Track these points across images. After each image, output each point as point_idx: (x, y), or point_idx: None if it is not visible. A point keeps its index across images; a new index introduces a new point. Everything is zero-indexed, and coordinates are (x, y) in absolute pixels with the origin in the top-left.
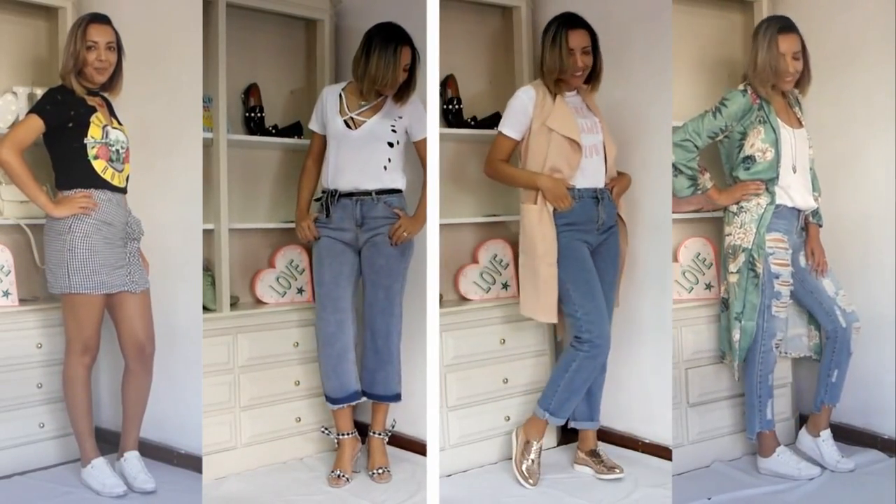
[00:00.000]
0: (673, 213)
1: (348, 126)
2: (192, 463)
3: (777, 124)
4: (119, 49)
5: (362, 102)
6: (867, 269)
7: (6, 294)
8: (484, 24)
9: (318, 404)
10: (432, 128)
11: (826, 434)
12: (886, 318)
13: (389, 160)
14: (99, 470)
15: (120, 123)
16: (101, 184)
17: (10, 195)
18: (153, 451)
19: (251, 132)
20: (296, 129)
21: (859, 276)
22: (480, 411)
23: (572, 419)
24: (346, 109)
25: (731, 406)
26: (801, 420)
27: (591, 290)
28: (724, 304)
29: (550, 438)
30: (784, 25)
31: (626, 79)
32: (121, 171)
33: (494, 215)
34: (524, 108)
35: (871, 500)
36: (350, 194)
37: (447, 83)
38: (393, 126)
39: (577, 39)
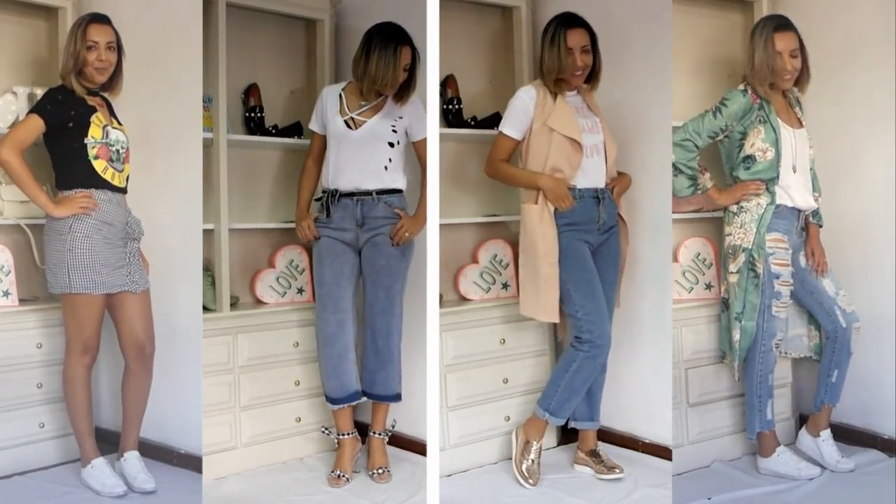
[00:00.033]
0: (673, 213)
1: (349, 126)
2: (192, 463)
3: (777, 124)
4: (119, 49)
5: (362, 102)
6: (867, 269)
7: (6, 294)
8: (484, 24)
9: (318, 404)
10: (432, 128)
11: (826, 434)
12: (886, 318)
13: (390, 160)
14: (99, 470)
15: (120, 123)
16: (102, 184)
17: (10, 195)
18: (153, 451)
19: (251, 132)
20: (296, 129)
21: (859, 276)
22: (480, 411)
23: (572, 419)
24: (347, 109)
25: (731, 406)
26: (801, 420)
27: (591, 291)
28: (725, 304)
29: (550, 438)
30: (780, 24)
31: (626, 79)
32: (121, 171)
33: (494, 215)
34: (525, 108)
35: (871, 500)
36: (351, 194)
37: (447, 83)
38: (393, 126)
39: (576, 39)
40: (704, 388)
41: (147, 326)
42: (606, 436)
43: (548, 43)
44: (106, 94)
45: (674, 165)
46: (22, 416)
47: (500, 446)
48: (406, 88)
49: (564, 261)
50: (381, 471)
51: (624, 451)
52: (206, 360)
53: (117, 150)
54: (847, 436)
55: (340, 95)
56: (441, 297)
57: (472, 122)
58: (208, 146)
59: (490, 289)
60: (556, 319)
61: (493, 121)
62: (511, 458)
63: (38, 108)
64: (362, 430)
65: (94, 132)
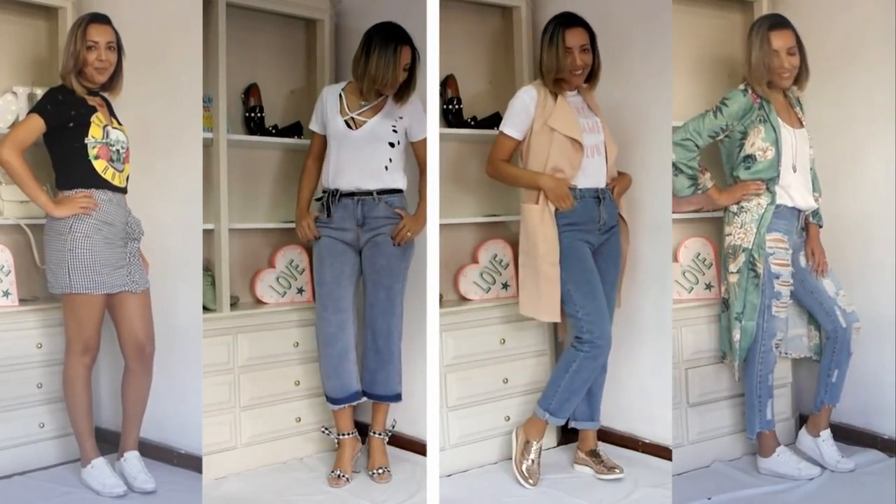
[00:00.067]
0: (673, 213)
1: (349, 126)
2: (192, 463)
3: (777, 123)
4: (119, 49)
5: (363, 102)
6: (867, 269)
7: (6, 294)
8: (484, 24)
9: (318, 404)
10: (432, 128)
11: (826, 434)
12: (886, 318)
13: (390, 160)
14: (99, 470)
15: (120, 123)
16: (102, 184)
17: (10, 195)
18: (153, 451)
19: (251, 132)
20: (296, 129)
21: (859, 276)
22: (480, 411)
23: (573, 419)
24: (347, 109)
25: (731, 406)
26: (801, 420)
27: (592, 291)
28: (725, 304)
29: (550, 438)
30: (775, 22)
31: (626, 79)
32: (121, 171)
33: (494, 215)
34: (526, 108)
35: (871, 500)
36: (351, 194)
37: (447, 83)
38: (394, 126)
39: (574, 38)
40: (704, 388)
41: (147, 326)
42: (606, 436)
43: (546, 43)
44: (106, 94)
45: (674, 165)
46: (22, 416)
47: (500, 446)
48: (406, 88)
49: (565, 261)
50: (381, 471)
51: (624, 451)
52: (206, 360)
53: (117, 150)
54: (847, 436)
55: (340, 95)
56: (441, 297)
57: (472, 122)
58: (208, 146)
59: (490, 289)
60: (558, 319)
61: (494, 121)
62: (511, 458)
63: (38, 107)
64: (362, 430)
65: (95, 132)
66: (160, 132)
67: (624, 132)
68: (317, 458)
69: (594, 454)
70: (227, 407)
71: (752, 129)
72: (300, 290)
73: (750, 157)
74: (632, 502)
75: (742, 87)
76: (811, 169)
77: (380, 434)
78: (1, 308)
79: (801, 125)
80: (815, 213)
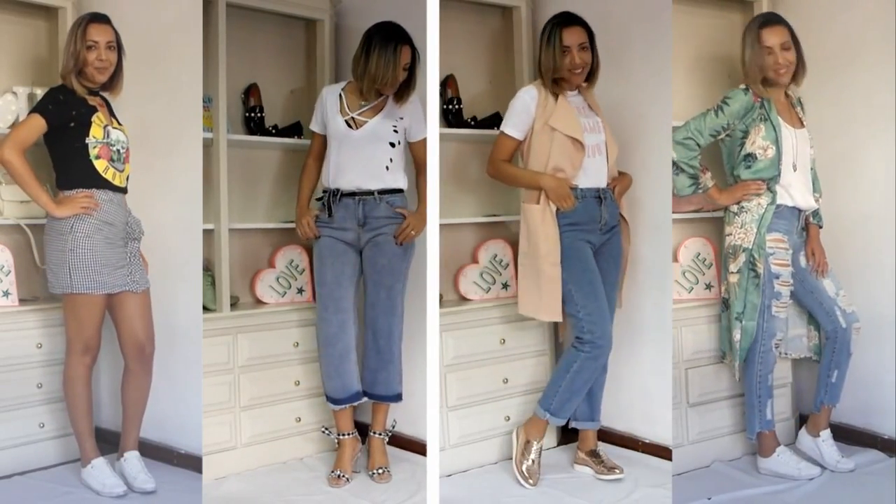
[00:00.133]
0: (673, 213)
1: (349, 126)
2: (192, 463)
3: (778, 122)
4: (119, 48)
5: (363, 102)
6: (867, 269)
7: (6, 294)
8: (484, 24)
9: (318, 404)
10: (432, 128)
11: (826, 434)
12: (886, 318)
13: (391, 160)
14: (99, 470)
15: (119, 123)
16: (103, 184)
17: (11, 195)
18: (153, 451)
19: (251, 132)
20: (296, 129)
21: (859, 276)
22: (480, 411)
23: (573, 419)
24: (347, 109)
25: (731, 406)
26: (801, 420)
27: (593, 291)
28: (725, 304)
29: (550, 438)
30: (767, 20)
31: (626, 78)
32: (121, 171)
33: (494, 215)
34: (527, 108)
35: (871, 500)
36: (352, 194)
37: (447, 83)
38: (395, 126)
39: (572, 37)
40: (704, 388)
41: (147, 326)
42: (606, 436)
43: (545, 42)
44: (106, 94)
45: (675, 164)
46: (22, 416)
47: (500, 446)
48: (406, 88)
49: (566, 261)
50: (381, 471)
51: (624, 451)
52: (206, 360)
53: (118, 150)
54: (847, 436)
55: (340, 95)
56: (441, 297)
57: (473, 122)
58: (208, 146)
59: (490, 289)
60: (559, 318)
61: (494, 121)
62: (511, 458)
63: (39, 107)
64: (362, 430)
65: (96, 132)
66: (160, 132)
67: (624, 132)
68: (317, 458)
69: (594, 454)
70: (227, 407)
71: (752, 127)
72: (300, 290)
73: (750, 156)
74: (632, 502)
75: (743, 86)
76: (812, 169)
77: (380, 434)
78: (1, 308)
79: (802, 125)
80: (816, 213)
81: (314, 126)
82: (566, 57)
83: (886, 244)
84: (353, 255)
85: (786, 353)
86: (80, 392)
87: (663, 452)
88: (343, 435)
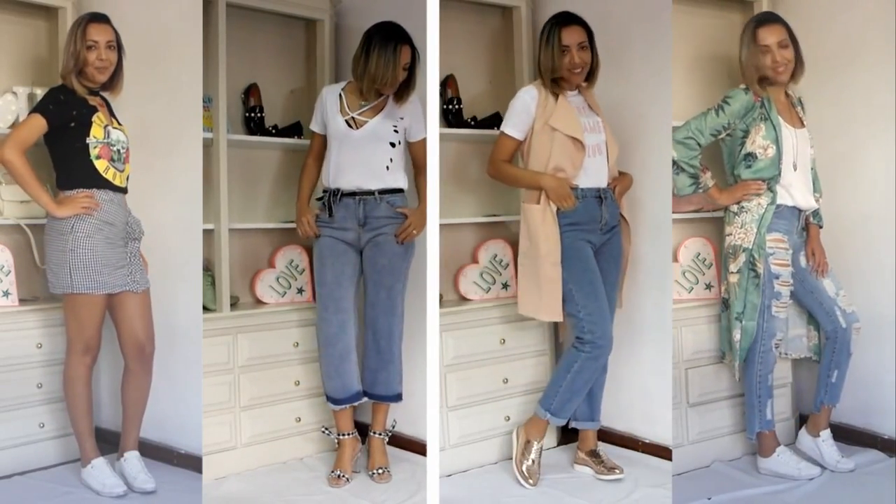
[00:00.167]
0: (673, 212)
1: (349, 126)
2: (192, 463)
3: (778, 122)
4: (119, 48)
5: (363, 102)
6: (867, 269)
7: (6, 294)
8: (484, 24)
9: (318, 404)
10: (432, 128)
11: (826, 434)
12: (886, 318)
13: (391, 160)
14: (99, 470)
15: (120, 123)
16: (103, 184)
17: (11, 195)
18: (153, 451)
19: (251, 132)
20: (296, 129)
21: (859, 276)
22: (480, 411)
23: (573, 419)
24: (347, 109)
25: (731, 406)
26: (801, 420)
27: (594, 291)
28: (725, 304)
29: (550, 438)
30: (763, 19)
31: (626, 78)
32: (122, 171)
33: (494, 215)
34: (527, 108)
35: (871, 500)
36: (353, 194)
37: (447, 83)
38: (395, 126)
39: (571, 36)
40: (704, 388)
41: (147, 326)
42: (606, 436)
43: (544, 42)
44: (106, 94)
45: (676, 163)
46: (22, 416)
47: (500, 446)
48: (406, 88)
49: (567, 261)
50: (381, 471)
51: (624, 451)
52: (206, 360)
53: (118, 150)
54: (847, 436)
55: (340, 95)
56: (441, 297)
57: (473, 122)
58: (208, 146)
59: (490, 289)
60: (559, 318)
61: (494, 121)
62: (511, 458)
63: (40, 107)
64: (362, 430)
65: (96, 132)
66: (160, 132)
67: (624, 132)
68: (317, 458)
69: (594, 454)
70: (227, 407)
71: (753, 127)
72: (300, 290)
73: (751, 155)
74: (632, 502)
75: (743, 85)
76: (812, 169)
77: (380, 434)
78: (1, 308)
79: (803, 125)
80: (816, 213)
81: (314, 126)
82: (566, 56)
83: (886, 244)
84: (354, 255)
85: (786, 353)
86: (81, 392)
87: (663, 452)
88: (343, 435)
